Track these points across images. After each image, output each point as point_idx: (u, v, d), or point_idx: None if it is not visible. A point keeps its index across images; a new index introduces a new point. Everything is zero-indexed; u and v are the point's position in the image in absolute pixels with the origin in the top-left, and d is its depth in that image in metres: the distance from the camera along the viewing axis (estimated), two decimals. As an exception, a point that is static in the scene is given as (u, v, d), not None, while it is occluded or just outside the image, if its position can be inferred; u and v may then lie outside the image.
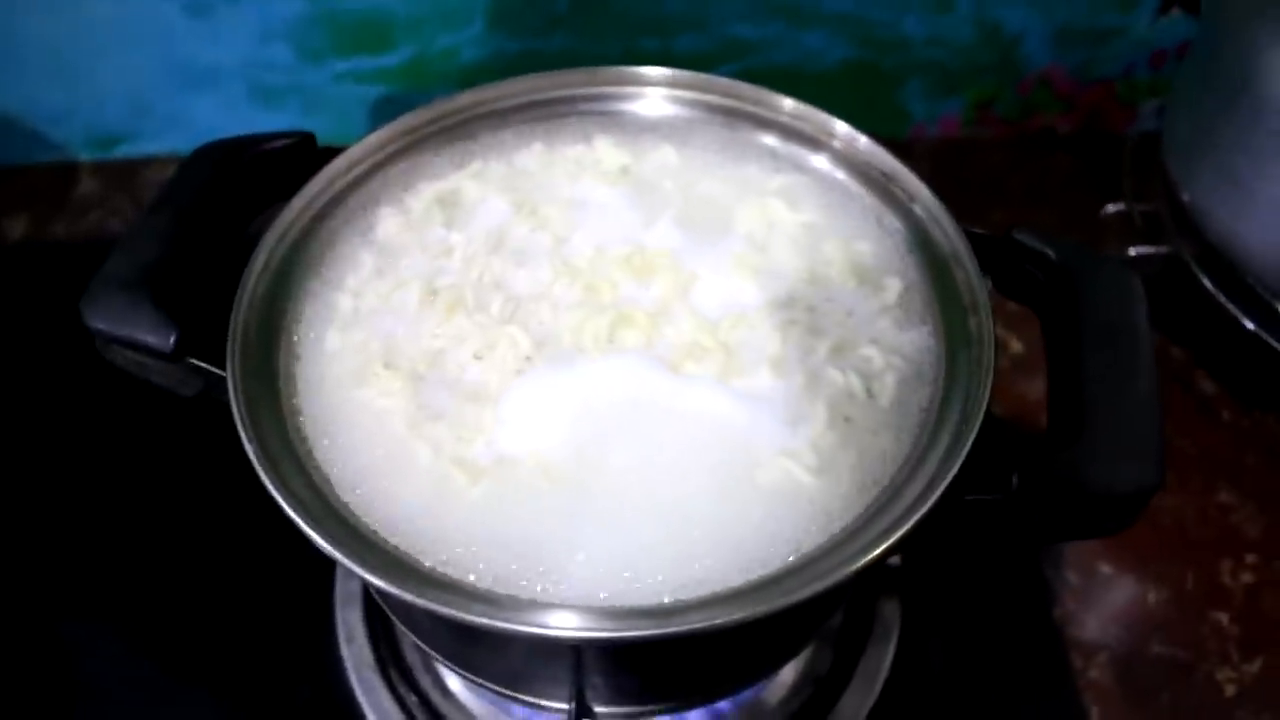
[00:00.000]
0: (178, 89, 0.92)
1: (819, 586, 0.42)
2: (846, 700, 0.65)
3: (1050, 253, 0.52)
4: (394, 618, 0.58)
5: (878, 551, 0.43)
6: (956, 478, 0.45)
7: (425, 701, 0.66)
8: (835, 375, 0.51)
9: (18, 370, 0.83)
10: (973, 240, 0.53)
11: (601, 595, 0.45)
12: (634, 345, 0.52)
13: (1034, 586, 0.71)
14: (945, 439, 0.47)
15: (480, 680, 0.56)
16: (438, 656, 0.57)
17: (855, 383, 0.51)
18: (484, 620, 0.42)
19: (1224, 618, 0.70)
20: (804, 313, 0.54)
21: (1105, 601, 0.71)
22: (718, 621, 0.42)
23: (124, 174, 0.96)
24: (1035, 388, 0.80)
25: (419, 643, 0.56)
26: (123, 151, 0.97)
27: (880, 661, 0.66)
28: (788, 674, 0.66)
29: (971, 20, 0.90)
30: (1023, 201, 0.93)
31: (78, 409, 0.80)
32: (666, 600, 0.44)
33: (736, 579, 0.45)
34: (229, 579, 0.72)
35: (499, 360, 0.52)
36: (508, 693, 0.56)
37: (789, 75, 0.93)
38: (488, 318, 0.53)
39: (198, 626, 0.70)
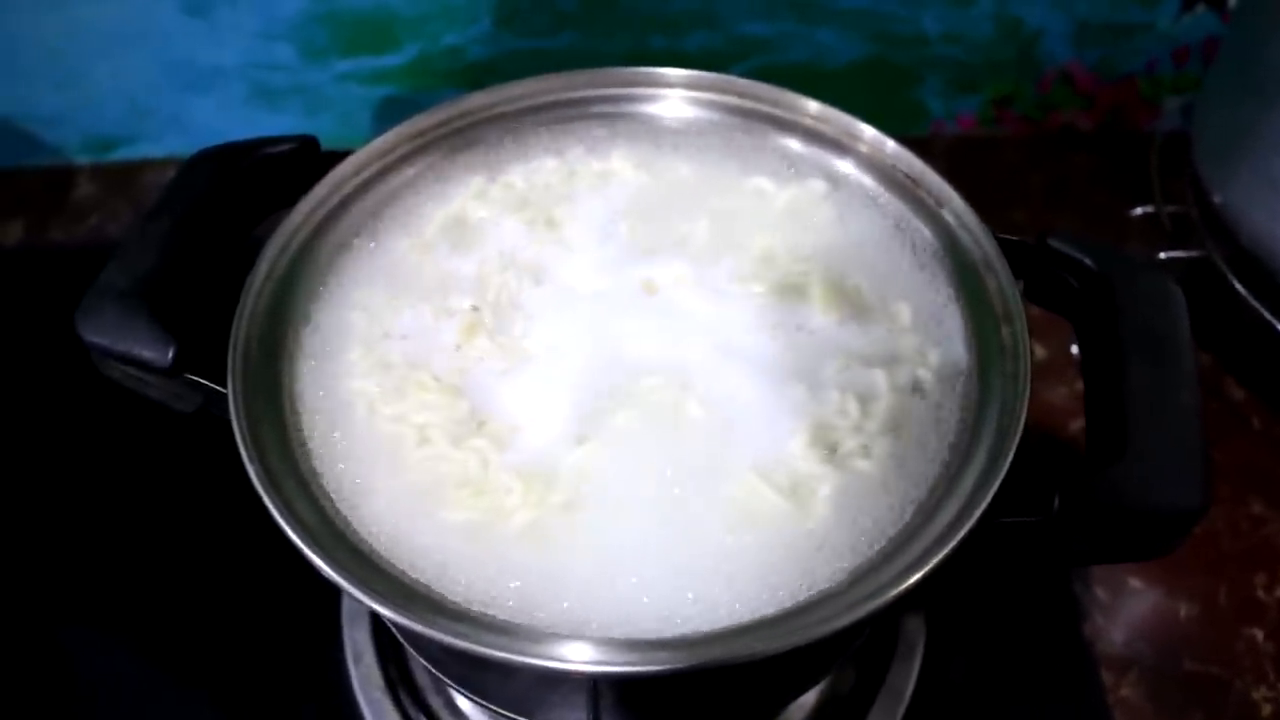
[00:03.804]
0: (177, 90, 0.90)
1: (846, 619, 0.40)
2: (870, 720, 0.63)
3: (1087, 260, 0.50)
4: (402, 640, 0.56)
5: (910, 582, 0.41)
6: (994, 499, 0.42)
7: (435, 723, 0.64)
8: (833, 395, 0.49)
9: (16, 377, 0.81)
10: (1003, 246, 0.51)
11: (623, 625, 0.43)
12: (647, 364, 0.51)
13: (1062, 602, 0.69)
14: (981, 457, 0.45)
15: (492, 706, 0.54)
16: (448, 681, 0.55)
17: (851, 406, 0.49)
18: (498, 653, 0.40)
19: (1259, 634, 0.68)
20: (813, 335, 0.52)
21: (1135, 617, 0.69)
22: (738, 655, 0.40)
23: (122, 177, 0.94)
24: (1062, 395, 0.78)
25: (429, 666, 0.54)
26: (121, 154, 0.95)
27: (905, 680, 0.64)
28: (810, 694, 0.64)
29: (990, 15, 0.88)
30: (1044, 201, 0.91)
31: (78, 416, 0.78)
32: (681, 630, 0.42)
33: (742, 610, 0.43)
34: (234, 593, 0.70)
35: (525, 380, 0.50)
36: (520, 718, 0.54)
37: (803, 73, 0.91)
38: (509, 339, 0.52)
39: (202, 642, 0.68)
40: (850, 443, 0.48)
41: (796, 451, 0.47)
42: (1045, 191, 0.92)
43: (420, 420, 0.49)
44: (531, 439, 0.48)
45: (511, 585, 0.44)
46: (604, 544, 0.46)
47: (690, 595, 0.44)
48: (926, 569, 0.40)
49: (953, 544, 0.41)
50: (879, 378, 0.50)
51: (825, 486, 0.46)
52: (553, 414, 0.49)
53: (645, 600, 0.44)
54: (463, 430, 0.49)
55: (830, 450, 0.48)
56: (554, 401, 0.50)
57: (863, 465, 0.47)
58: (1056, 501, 0.43)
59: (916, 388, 0.50)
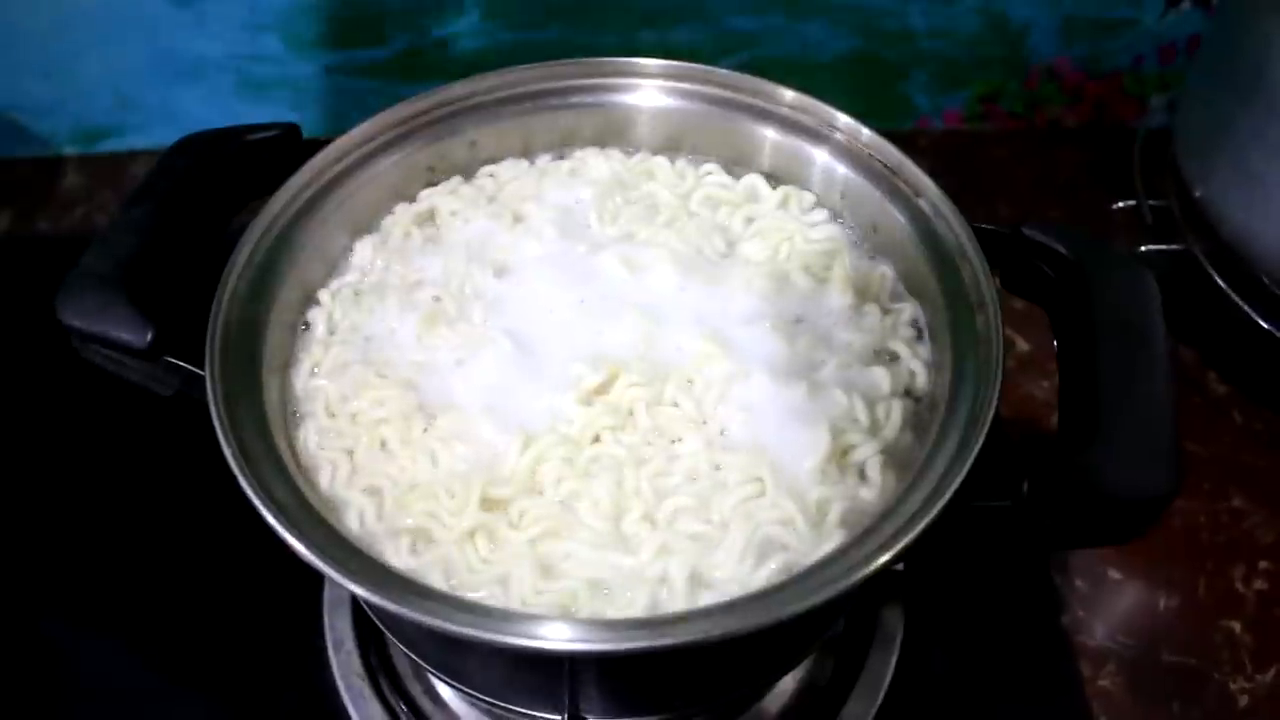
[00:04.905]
0: (164, 82, 0.90)
1: (817, 599, 0.40)
2: (849, 709, 0.63)
3: (1061, 248, 0.50)
4: (382, 626, 0.56)
5: (879, 563, 0.41)
6: (964, 483, 0.43)
7: (415, 710, 0.64)
8: (840, 397, 0.49)
9: (1, 366, 0.81)
10: (980, 235, 0.51)
11: (587, 609, 0.44)
12: (619, 354, 0.51)
13: (1041, 592, 0.69)
14: (952, 442, 0.45)
15: (470, 691, 0.54)
16: (427, 666, 0.55)
17: (859, 407, 0.49)
18: (472, 632, 0.40)
19: (1236, 626, 0.68)
20: (812, 327, 0.53)
21: (1114, 608, 0.69)
22: (712, 634, 0.40)
23: (110, 168, 0.94)
24: (1042, 388, 0.78)
25: (408, 653, 0.54)
26: (109, 146, 0.95)
27: (883, 669, 0.64)
28: (788, 682, 0.64)
29: (977, 11, 0.88)
30: (1029, 196, 0.91)
31: (64, 407, 0.78)
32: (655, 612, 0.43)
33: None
34: (215, 581, 0.70)
35: (481, 371, 0.51)
36: (499, 704, 0.54)
37: (790, 67, 0.91)
38: (469, 325, 0.52)
39: (183, 630, 0.68)
40: (865, 450, 0.48)
41: (812, 466, 0.47)
42: (1030, 186, 0.92)
43: (373, 418, 0.50)
44: (481, 436, 0.49)
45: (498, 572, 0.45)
46: (545, 556, 0.46)
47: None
48: (895, 550, 0.41)
49: (921, 527, 0.41)
50: (880, 376, 0.51)
51: (838, 507, 0.47)
52: (506, 409, 0.49)
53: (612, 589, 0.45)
54: (413, 429, 0.49)
55: (844, 454, 0.48)
56: (510, 394, 0.50)
57: (871, 484, 0.48)
58: (1026, 485, 0.43)
59: (911, 383, 0.51)
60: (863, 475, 0.48)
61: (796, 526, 0.45)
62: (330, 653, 0.65)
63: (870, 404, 0.49)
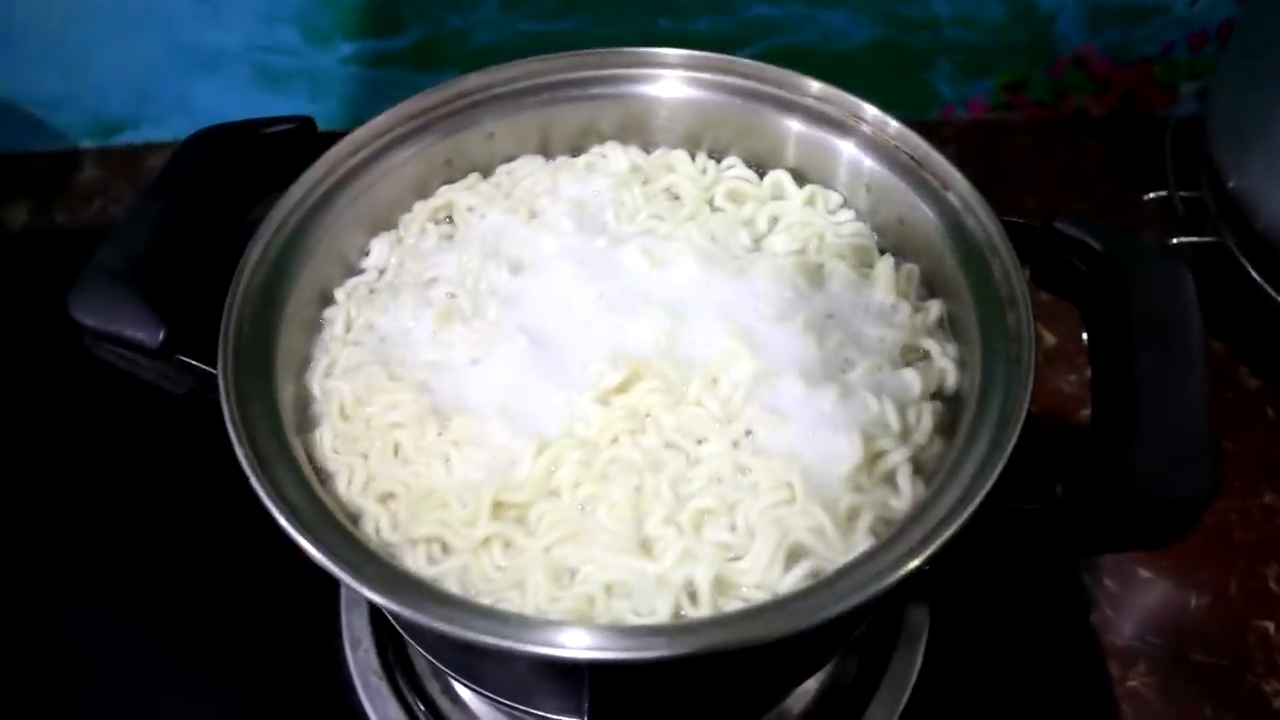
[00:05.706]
0: (181, 74, 0.90)
1: (842, 606, 0.39)
2: (873, 709, 0.62)
3: (1094, 243, 0.49)
4: (399, 629, 0.55)
5: (908, 568, 0.40)
6: (995, 485, 0.41)
7: (433, 709, 0.63)
8: (871, 402, 0.48)
9: (19, 359, 0.81)
10: (1009, 229, 0.50)
11: (606, 615, 0.43)
12: (647, 351, 0.50)
13: (1069, 591, 0.68)
14: (982, 442, 0.44)
15: (488, 693, 0.53)
16: (444, 668, 0.54)
17: (890, 412, 0.48)
18: (490, 639, 0.39)
19: (1270, 626, 0.66)
20: (840, 328, 0.51)
21: (1144, 607, 0.68)
22: (731, 642, 0.39)
23: (126, 161, 0.94)
24: (1069, 382, 0.77)
25: (425, 654, 0.54)
26: (125, 138, 0.95)
27: (908, 669, 0.63)
28: (812, 682, 0.63)
29: (1004, -2, 0.87)
30: (1056, 187, 0.90)
31: (82, 399, 0.78)
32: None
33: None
34: (233, 578, 0.69)
35: (499, 365, 0.50)
36: (517, 706, 0.53)
37: (812, 56, 0.90)
38: (484, 322, 0.51)
39: (201, 626, 0.68)
40: (895, 457, 0.47)
41: (844, 473, 0.46)
42: (1057, 177, 0.91)
43: (387, 422, 0.49)
44: (495, 440, 0.48)
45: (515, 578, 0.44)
46: (562, 561, 0.45)
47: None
48: (924, 555, 0.40)
49: (951, 531, 0.40)
50: (911, 379, 0.49)
51: (868, 515, 0.45)
52: (522, 410, 0.48)
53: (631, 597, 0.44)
54: (427, 433, 0.48)
55: (874, 461, 0.47)
56: (525, 394, 0.49)
57: (901, 493, 0.46)
58: (1059, 489, 0.42)
59: (941, 384, 0.50)
60: (893, 482, 0.46)
61: (826, 534, 0.44)
62: (347, 651, 0.64)
63: (901, 409, 0.48)
